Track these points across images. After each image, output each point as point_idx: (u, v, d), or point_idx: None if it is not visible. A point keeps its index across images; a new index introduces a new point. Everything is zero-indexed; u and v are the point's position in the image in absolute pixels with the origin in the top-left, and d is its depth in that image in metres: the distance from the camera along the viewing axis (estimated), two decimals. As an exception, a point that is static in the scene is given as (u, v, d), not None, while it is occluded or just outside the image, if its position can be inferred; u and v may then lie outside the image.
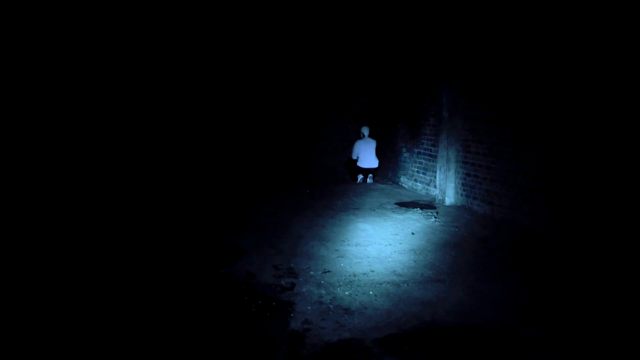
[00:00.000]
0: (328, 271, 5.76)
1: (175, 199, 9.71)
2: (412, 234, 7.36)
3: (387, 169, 11.77)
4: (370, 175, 11.53)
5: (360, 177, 11.54)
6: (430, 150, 9.99)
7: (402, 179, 11.14)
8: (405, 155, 10.99)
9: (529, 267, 5.90)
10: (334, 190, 10.65)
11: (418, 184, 10.48)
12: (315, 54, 11.52)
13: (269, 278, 5.56)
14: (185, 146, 10.81)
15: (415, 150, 10.53)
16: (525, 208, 7.51)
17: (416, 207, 9.05)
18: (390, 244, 6.83)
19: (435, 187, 9.78)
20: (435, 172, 9.70)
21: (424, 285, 5.37)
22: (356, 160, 11.47)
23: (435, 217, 8.28)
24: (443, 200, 9.29)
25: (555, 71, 6.94)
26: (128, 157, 10.47)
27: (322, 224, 7.82)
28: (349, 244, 6.82)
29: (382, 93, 11.79)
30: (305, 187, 11.10)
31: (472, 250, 6.57)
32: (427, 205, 9.29)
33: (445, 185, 9.26)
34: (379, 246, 6.75)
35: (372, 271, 5.78)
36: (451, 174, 9.19)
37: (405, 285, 5.36)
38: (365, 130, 11.53)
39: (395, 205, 9.23)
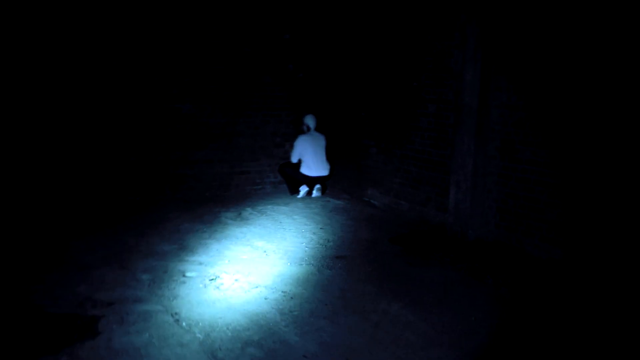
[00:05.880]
0: None
1: None
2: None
3: (343, 177, 8.17)
4: (318, 186, 7.85)
5: (303, 189, 7.83)
6: (430, 154, 6.55)
7: (370, 192, 7.60)
8: (376, 157, 7.46)
9: None
10: (275, 213, 6.89)
11: (403, 202, 7.01)
12: (229, 6, 7.50)
13: None
14: None
15: (398, 151, 7.03)
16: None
17: (435, 251, 5.61)
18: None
19: (441, 210, 6.40)
20: (444, 187, 6.34)
21: None
22: (298, 165, 7.72)
23: (491, 279, 4.86)
24: (465, 233, 5.94)
25: None
26: None
27: (318, 313, 4.09)
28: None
29: (334, 65, 8.10)
30: (225, 207, 7.16)
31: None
32: (438, 240, 5.95)
33: (469, 209, 5.88)
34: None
35: None
36: (479, 193, 5.83)
37: None
38: (311, 121, 7.83)
39: (397, 248, 5.70)
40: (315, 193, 7.87)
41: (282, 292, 4.47)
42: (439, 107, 6.44)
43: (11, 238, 5.64)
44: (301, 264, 5.14)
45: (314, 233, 6.16)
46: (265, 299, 4.33)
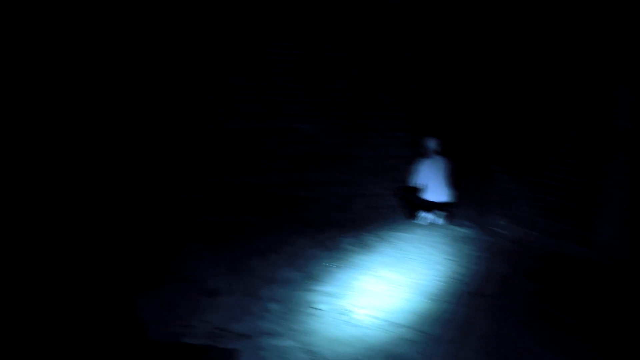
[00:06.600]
0: None
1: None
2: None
3: (467, 203, 7.70)
4: (441, 212, 7.43)
5: (425, 215, 7.43)
6: (570, 182, 5.98)
7: (497, 221, 7.09)
8: (505, 184, 6.95)
9: None
10: (397, 241, 6.61)
11: (535, 233, 6.48)
12: (350, 25, 7.29)
13: None
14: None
15: (532, 178, 6.51)
16: None
17: (584, 291, 5.02)
18: None
19: (583, 244, 5.80)
20: (587, 219, 5.75)
21: None
22: (417, 189, 7.34)
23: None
24: (615, 272, 5.32)
25: None
26: None
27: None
28: None
29: (459, 86, 7.68)
30: (344, 231, 6.91)
31: None
32: (583, 279, 5.35)
33: (621, 246, 5.28)
34: None
35: None
36: (634, 228, 5.21)
37: None
38: (433, 144, 7.44)
39: (536, 285, 5.17)
40: (437, 220, 7.47)
41: (423, 332, 4.12)
42: (584, 131, 5.88)
43: (134, 260, 5.64)
44: (436, 300, 4.76)
45: (442, 264, 5.77)
46: (406, 340, 3.99)
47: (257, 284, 5.04)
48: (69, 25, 6.09)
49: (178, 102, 6.72)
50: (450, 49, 7.66)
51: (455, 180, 7.51)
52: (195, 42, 6.69)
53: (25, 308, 4.19)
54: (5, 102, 5.83)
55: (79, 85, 6.24)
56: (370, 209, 7.74)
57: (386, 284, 5.15)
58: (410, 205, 7.56)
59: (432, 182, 7.32)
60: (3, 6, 5.60)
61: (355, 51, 7.39)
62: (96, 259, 5.48)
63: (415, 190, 7.42)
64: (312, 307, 4.54)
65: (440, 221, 7.46)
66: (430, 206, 7.40)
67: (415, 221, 7.50)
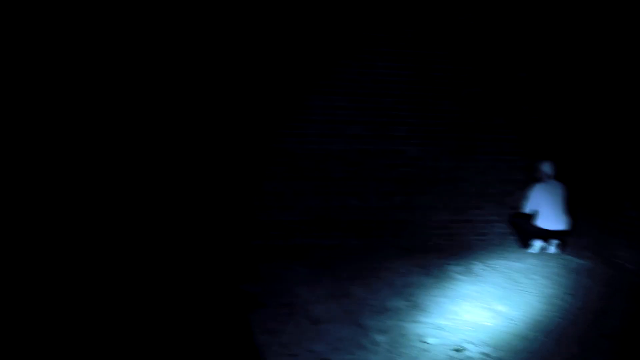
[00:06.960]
0: None
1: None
2: None
3: (585, 233, 7.13)
4: (556, 241, 6.89)
5: (538, 243, 6.93)
6: None
7: (622, 253, 6.49)
8: (633, 213, 6.34)
9: None
10: (508, 270, 6.20)
11: (668, 268, 5.81)
12: (452, 41, 7.01)
13: None
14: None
15: (664, 208, 5.88)
16: None
17: None
18: None
19: None
20: None
21: None
22: (530, 216, 6.86)
23: None
24: None
25: None
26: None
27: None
28: None
29: (578, 107, 7.17)
30: (450, 258, 6.58)
31: None
32: None
33: None
34: None
35: None
36: None
37: None
38: (548, 169, 6.95)
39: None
40: (551, 249, 6.95)
41: (545, 376, 3.74)
42: None
43: (234, 282, 5.61)
44: (559, 341, 4.35)
45: (561, 299, 5.31)
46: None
47: (360, 312, 4.85)
48: (150, 35, 6.25)
49: (281, 123, 6.71)
50: (569, 68, 7.17)
51: (572, 206, 6.98)
52: (302, 62, 6.66)
53: (135, 329, 4.23)
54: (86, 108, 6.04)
55: (177, 101, 6.37)
56: (477, 235, 7.35)
57: (499, 318, 4.79)
58: (522, 232, 7.10)
59: (546, 209, 6.84)
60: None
61: (464, 70, 7.10)
62: (197, 280, 5.50)
63: (528, 216, 6.96)
64: (421, 341, 4.28)
65: (556, 250, 6.94)
66: (544, 234, 6.91)
67: (527, 250, 7.03)
